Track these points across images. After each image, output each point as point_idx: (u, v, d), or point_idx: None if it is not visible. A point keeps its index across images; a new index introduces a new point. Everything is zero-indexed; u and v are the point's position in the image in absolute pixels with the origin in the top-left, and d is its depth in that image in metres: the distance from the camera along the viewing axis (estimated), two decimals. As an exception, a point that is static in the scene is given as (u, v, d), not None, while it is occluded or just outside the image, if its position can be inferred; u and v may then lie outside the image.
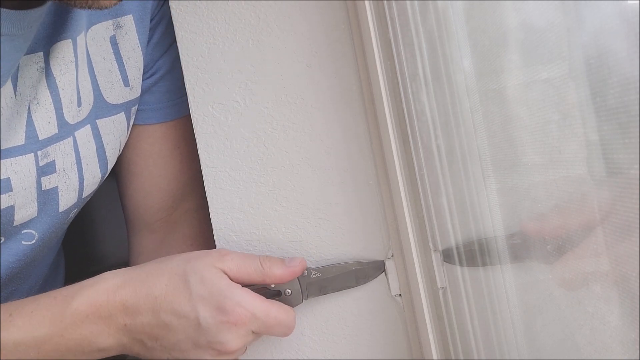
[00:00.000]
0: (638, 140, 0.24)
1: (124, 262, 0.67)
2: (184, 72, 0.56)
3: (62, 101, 0.52)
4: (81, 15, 0.53)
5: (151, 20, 0.58)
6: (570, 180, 0.32)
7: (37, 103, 0.51)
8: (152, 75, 0.60)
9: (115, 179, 0.67)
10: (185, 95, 0.58)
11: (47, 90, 0.51)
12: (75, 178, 0.56)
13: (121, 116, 0.58)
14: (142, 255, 0.66)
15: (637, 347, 0.28)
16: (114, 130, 0.58)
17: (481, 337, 0.46)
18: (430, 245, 0.50)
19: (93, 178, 0.58)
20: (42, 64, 0.51)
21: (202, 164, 0.57)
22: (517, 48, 0.35)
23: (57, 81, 0.52)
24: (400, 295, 0.56)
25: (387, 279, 0.57)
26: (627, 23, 0.24)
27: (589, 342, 0.34)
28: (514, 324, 0.43)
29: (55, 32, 0.51)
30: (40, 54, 0.51)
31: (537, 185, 0.36)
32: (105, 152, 0.58)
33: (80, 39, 0.53)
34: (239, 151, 0.57)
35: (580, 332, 0.35)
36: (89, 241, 1.42)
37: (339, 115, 0.56)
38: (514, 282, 0.43)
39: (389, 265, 0.56)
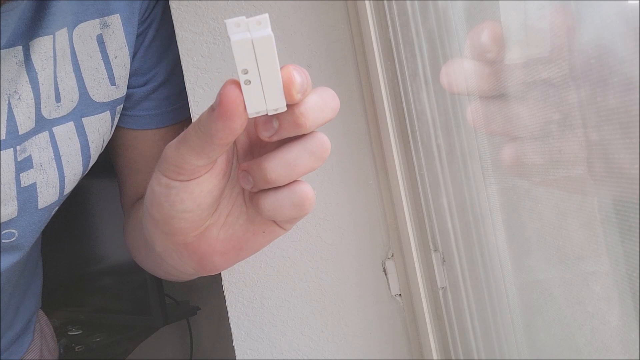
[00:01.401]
0: (638, 140, 0.24)
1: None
2: (184, 72, 0.56)
3: (40, 96, 0.52)
4: (63, 12, 0.53)
5: (142, 22, 0.58)
6: (570, 180, 0.32)
7: (19, 98, 0.51)
8: (148, 82, 0.60)
9: (115, 174, 0.67)
10: (184, 100, 0.58)
11: (29, 85, 0.51)
12: (54, 174, 0.55)
13: (106, 114, 0.58)
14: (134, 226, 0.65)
15: (637, 347, 0.28)
16: (99, 129, 0.58)
17: (481, 337, 0.46)
18: (430, 245, 0.50)
19: (74, 175, 0.57)
20: (22, 58, 0.51)
21: (202, 164, 0.57)
22: (517, 48, 0.35)
23: (38, 76, 0.52)
24: (400, 295, 0.56)
25: (387, 279, 0.57)
26: (627, 23, 0.25)
27: (588, 342, 0.34)
28: (514, 324, 0.43)
29: (34, 27, 0.51)
30: (20, 47, 0.50)
31: (537, 185, 0.36)
32: (89, 150, 0.58)
33: (59, 35, 0.53)
34: (239, 151, 0.57)
35: (580, 332, 0.35)
36: (88, 242, 1.43)
37: (339, 115, 0.56)
38: (514, 282, 0.43)
39: (389, 265, 0.56)
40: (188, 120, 0.58)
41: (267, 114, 0.32)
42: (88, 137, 0.57)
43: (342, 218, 0.56)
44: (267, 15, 0.29)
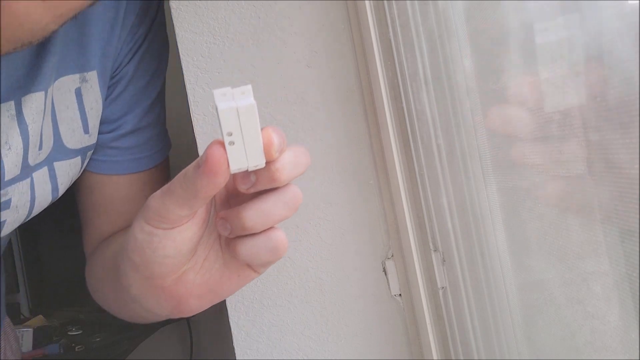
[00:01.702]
0: (638, 140, 0.24)
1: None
2: (184, 72, 0.56)
3: (29, 146, 0.55)
4: (53, 70, 0.55)
5: (112, 77, 0.61)
6: (570, 180, 0.32)
7: (9, 148, 0.54)
8: (114, 130, 0.62)
9: (79, 216, 0.69)
10: (151, 150, 0.61)
11: (20, 137, 0.54)
12: (24, 213, 0.58)
13: (77, 159, 0.61)
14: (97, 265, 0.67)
15: (638, 347, 0.28)
16: (69, 172, 0.61)
17: (481, 337, 0.46)
18: (430, 245, 0.50)
19: (38, 212, 0.61)
20: (14, 112, 0.53)
21: (202, 164, 0.57)
22: (517, 48, 0.35)
23: (29, 129, 0.54)
24: (400, 295, 0.56)
25: (387, 279, 0.57)
26: (627, 23, 0.25)
27: (588, 342, 0.34)
28: (514, 324, 0.43)
29: (27, 83, 0.54)
30: (12, 102, 0.53)
31: (537, 185, 0.36)
32: (58, 192, 0.61)
33: (50, 91, 0.56)
34: (239, 151, 0.57)
35: (580, 332, 0.35)
36: (88, 241, 1.43)
37: (339, 115, 0.56)
38: (514, 282, 0.43)
39: (389, 265, 0.56)
40: (157, 166, 0.62)
41: (247, 170, 0.36)
42: (58, 180, 0.60)
43: (342, 218, 0.56)
44: (250, 86, 0.33)
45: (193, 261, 0.42)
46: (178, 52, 0.57)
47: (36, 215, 0.62)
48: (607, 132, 0.27)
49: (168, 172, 0.68)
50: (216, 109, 0.33)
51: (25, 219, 0.59)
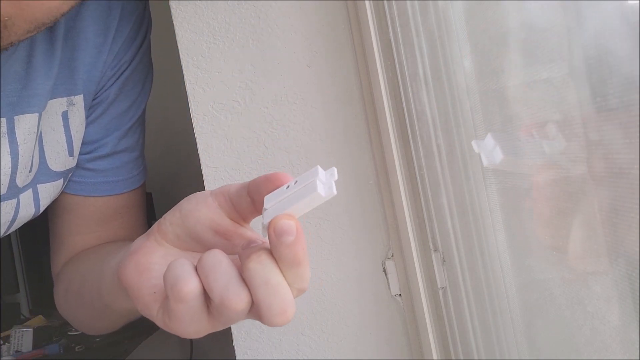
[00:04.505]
0: (638, 140, 0.24)
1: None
2: (184, 72, 0.56)
3: (18, 167, 0.55)
4: (48, 93, 0.55)
5: (93, 99, 0.61)
6: (570, 180, 0.32)
7: None
8: (91, 151, 0.63)
9: (50, 232, 0.68)
10: (126, 175, 0.62)
11: (9, 156, 0.54)
12: (1, 233, 0.58)
13: (60, 182, 0.61)
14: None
15: (638, 347, 0.28)
16: (51, 194, 0.61)
17: (481, 337, 0.46)
18: (430, 245, 0.50)
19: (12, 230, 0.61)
20: (5, 130, 0.53)
21: (202, 164, 0.57)
22: (517, 48, 0.35)
23: (19, 149, 0.54)
24: (400, 295, 0.56)
25: (387, 279, 0.57)
26: (627, 23, 0.25)
27: (588, 342, 0.34)
28: (514, 324, 0.43)
29: (20, 102, 0.54)
30: (4, 119, 0.53)
31: (537, 185, 0.36)
32: (39, 212, 0.61)
33: (43, 113, 0.56)
34: (238, 151, 0.57)
35: (580, 332, 0.35)
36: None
37: (339, 115, 0.56)
38: (514, 282, 0.43)
39: (389, 265, 0.56)
40: (133, 192, 0.63)
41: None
42: (40, 202, 0.60)
43: (342, 218, 0.56)
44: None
45: None
46: (178, 52, 0.57)
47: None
48: (607, 132, 0.27)
49: (144, 199, 0.68)
50: (315, 185, 0.32)
51: None
